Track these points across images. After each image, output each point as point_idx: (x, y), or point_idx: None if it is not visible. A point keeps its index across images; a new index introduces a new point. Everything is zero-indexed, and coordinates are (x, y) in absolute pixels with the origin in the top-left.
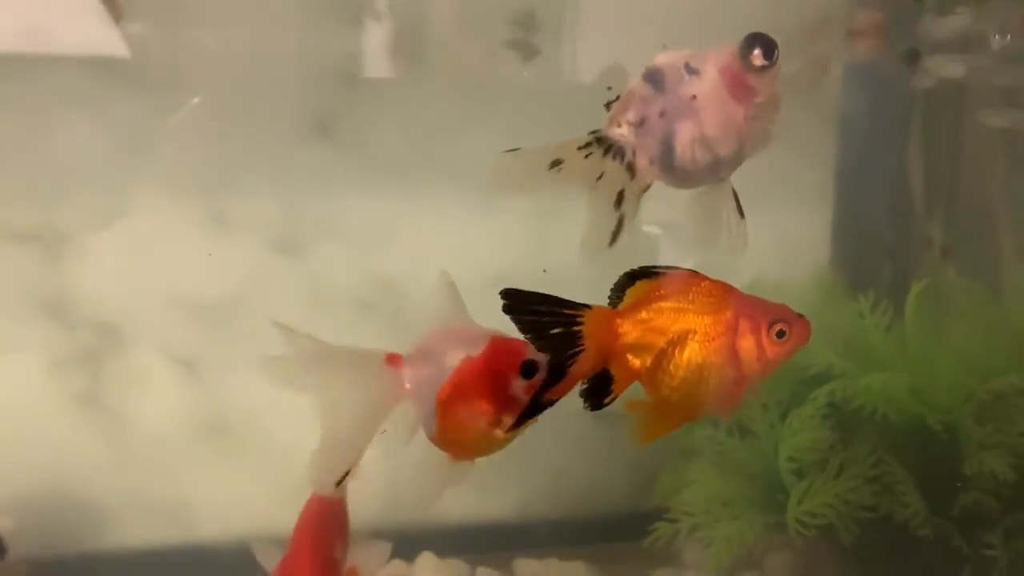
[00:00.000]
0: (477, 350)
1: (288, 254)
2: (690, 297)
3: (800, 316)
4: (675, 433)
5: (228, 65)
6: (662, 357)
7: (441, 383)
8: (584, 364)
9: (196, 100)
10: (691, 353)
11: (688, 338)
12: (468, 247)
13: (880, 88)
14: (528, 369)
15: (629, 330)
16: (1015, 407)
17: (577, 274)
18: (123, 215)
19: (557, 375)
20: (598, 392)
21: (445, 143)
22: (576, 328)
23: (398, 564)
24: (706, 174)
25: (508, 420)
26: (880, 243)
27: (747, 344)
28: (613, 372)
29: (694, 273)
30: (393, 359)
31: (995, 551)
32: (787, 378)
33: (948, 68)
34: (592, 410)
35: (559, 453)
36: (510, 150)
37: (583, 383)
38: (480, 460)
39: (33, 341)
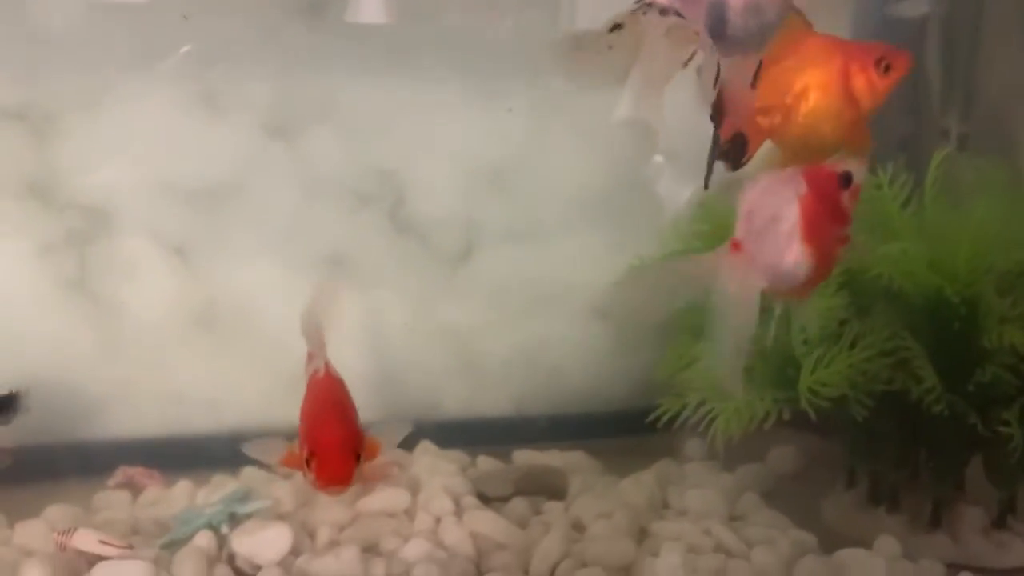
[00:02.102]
0: (797, 190)
1: (281, 138)
2: (802, 54)
3: (901, 49)
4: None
5: None
6: (789, 112)
7: (790, 235)
8: (726, 131)
9: None
10: (814, 102)
11: (808, 90)
12: (468, 138)
13: None
14: (847, 180)
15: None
16: None
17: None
18: (110, 95)
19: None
20: (736, 154)
21: (445, 26)
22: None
23: (398, 452)
24: (755, 41)
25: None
26: (893, 136)
27: (859, 83)
28: (748, 133)
29: (801, 32)
30: (735, 246)
31: (1011, 429)
32: None
33: None
34: (733, 170)
35: (558, 352)
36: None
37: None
38: (479, 356)
39: (19, 224)
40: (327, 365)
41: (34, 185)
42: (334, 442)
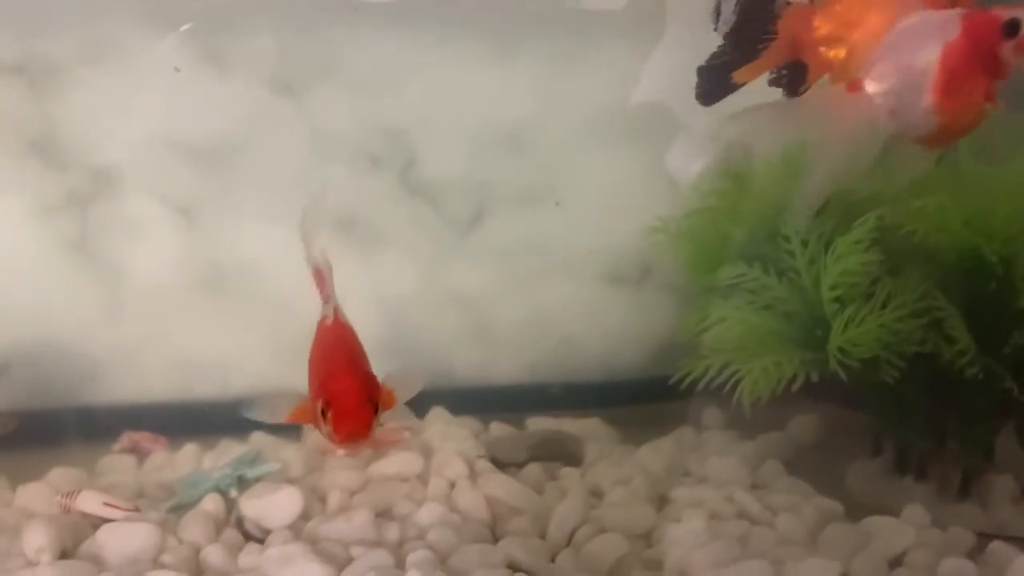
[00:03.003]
0: (948, 34)
1: (288, 96)
2: None
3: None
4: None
5: None
6: (855, 48)
7: (924, 81)
8: (775, 54)
9: None
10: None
11: (877, 29)
12: (481, 96)
13: None
14: (1012, 27)
15: (822, 24)
16: None
17: None
18: (113, 50)
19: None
20: (793, 82)
21: None
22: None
23: (411, 419)
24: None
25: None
26: None
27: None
28: (808, 63)
29: None
30: (852, 86)
31: None
32: (829, 210)
33: None
34: (788, 96)
35: (572, 318)
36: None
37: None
38: (492, 322)
39: (20, 183)
40: (336, 311)
41: (35, 143)
42: (351, 391)
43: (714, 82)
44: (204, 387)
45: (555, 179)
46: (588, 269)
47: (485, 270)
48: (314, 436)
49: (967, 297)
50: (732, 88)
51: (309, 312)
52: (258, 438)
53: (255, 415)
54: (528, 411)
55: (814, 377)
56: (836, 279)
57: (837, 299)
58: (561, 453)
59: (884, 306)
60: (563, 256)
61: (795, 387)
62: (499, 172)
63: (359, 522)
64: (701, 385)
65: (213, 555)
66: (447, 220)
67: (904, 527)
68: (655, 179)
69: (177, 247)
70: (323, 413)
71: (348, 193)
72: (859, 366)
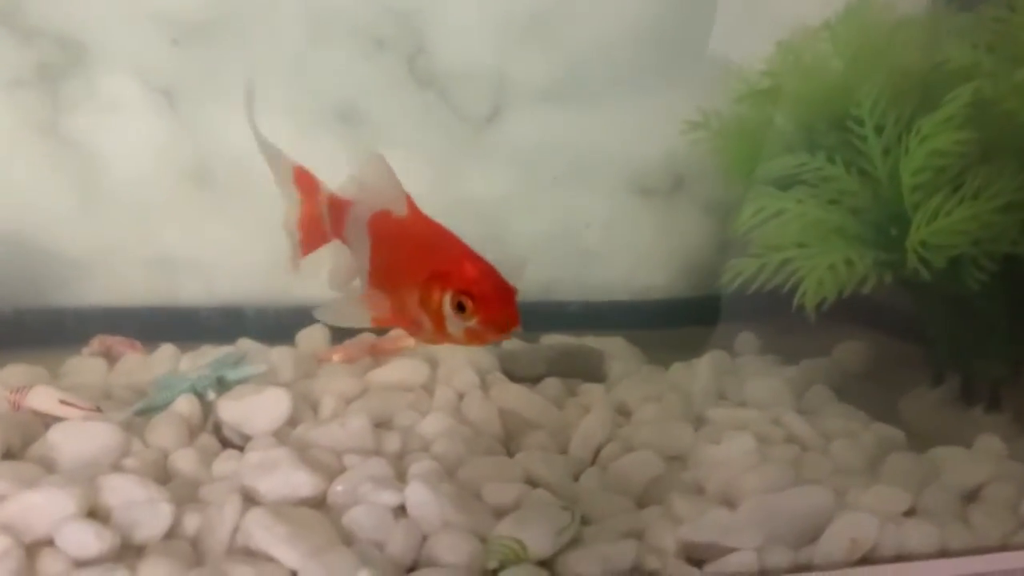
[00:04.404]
0: None
1: None
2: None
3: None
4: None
5: None
6: None
7: None
8: None
9: None
10: None
11: None
12: None
13: None
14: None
15: None
16: None
17: None
18: None
19: None
20: None
21: None
22: None
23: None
24: None
25: None
26: None
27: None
28: None
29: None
30: None
31: None
32: (908, 85)
33: None
34: None
35: (594, 232)
36: None
37: None
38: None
39: None
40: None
41: None
42: (492, 276)
43: None
44: (188, 291)
45: (584, 73)
46: (615, 178)
47: (501, 174)
48: (307, 342)
49: None
50: None
51: None
52: (246, 344)
53: (329, 319)
54: (542, 330)
55: (887, 279)
56: (922, 162)
57: (920, 187)
58: (583, 368)
59: (976, 197)
60: (588, 161)
61: (867, 287)
62: (521, 63)
63: (355, 428)
64: (754, 286)
65: (183, 461)
66: (460, 116)
67: (979, 459)
68: (698, 74)
69: (159, 133)
70: (459, 306)
71: (349, 79)
72: (943, 265)
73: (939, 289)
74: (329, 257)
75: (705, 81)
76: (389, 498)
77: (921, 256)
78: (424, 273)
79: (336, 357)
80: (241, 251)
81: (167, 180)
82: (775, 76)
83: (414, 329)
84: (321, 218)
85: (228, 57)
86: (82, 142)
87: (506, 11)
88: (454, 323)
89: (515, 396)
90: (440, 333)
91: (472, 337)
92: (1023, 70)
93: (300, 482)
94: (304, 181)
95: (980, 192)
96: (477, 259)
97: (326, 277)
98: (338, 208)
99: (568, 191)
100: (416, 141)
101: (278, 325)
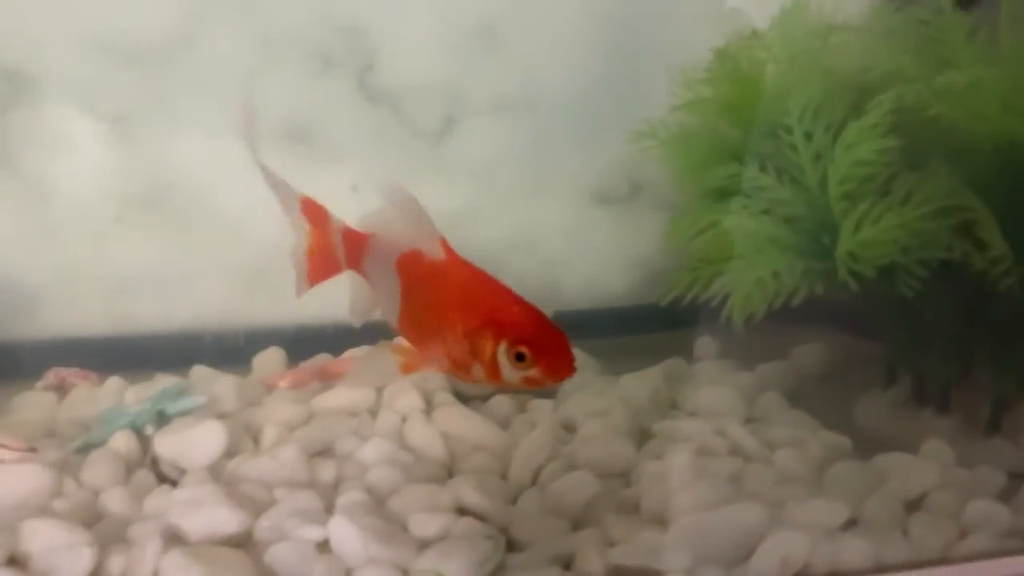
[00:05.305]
0: None
1: None
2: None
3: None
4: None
5: None
6: None
7: None
8: None
9: None
10: None
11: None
12: None
13: None
14: None
15: None
16: None
17: None
18: None
19: None
20: None
21: None
22: None
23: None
24: None
25: None
26: None
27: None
28: None
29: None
30: None
31: None
32: (837, 94)
33: None
34: None
35: (552, 241)
36: None
37: None
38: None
39: None
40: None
41: None
42: (545, 324)
43: None
44: (144, 318)
45: (535, 82)
46: (572, 186)
47: (458, 187)
48: (263, 366)
49: (1005, 195)
50: None
51: (260, 232)
52: (200, 372)
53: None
54: None
55: (818, 290)
56: (847, 171)
57: (847, 195)
58: None
59: (905, 203)
60: (545, 172)
61: (796, 302)
62: (472, 75)
63: (287, 459)
64: (686, 301)
65: (113, 500)
66: (413, 131)
67: (924, 465)
68: (651, 77)
69: (109, 160)
70: (517, 356)
71: (299, 99)
72: (873, 275)
73: (879, 294)
74: (349, 288)
75: (659, 89)
76: (313, 533)
77: (849, 267)
78: (474, 321)
79: (283, 383)
80: (198, 276)
81: (119, 206)
82: (713, 83)
83: (461, 374)
84: (333, 248)
85: (178, 80)
86: (31, 172)
87: (456, 24)
88: (511, 372)
89: (458, 418)
90: (494, 380)
91: (529, 383)
92: (948, 74)
93: (224, 519)
94: (312, 211)
95: (908, 199)
96: (527, 305)
97: (347, 308)
98: (355, 241)
99: (526, 201)
100: (369, 157)
101: (236, 350)
